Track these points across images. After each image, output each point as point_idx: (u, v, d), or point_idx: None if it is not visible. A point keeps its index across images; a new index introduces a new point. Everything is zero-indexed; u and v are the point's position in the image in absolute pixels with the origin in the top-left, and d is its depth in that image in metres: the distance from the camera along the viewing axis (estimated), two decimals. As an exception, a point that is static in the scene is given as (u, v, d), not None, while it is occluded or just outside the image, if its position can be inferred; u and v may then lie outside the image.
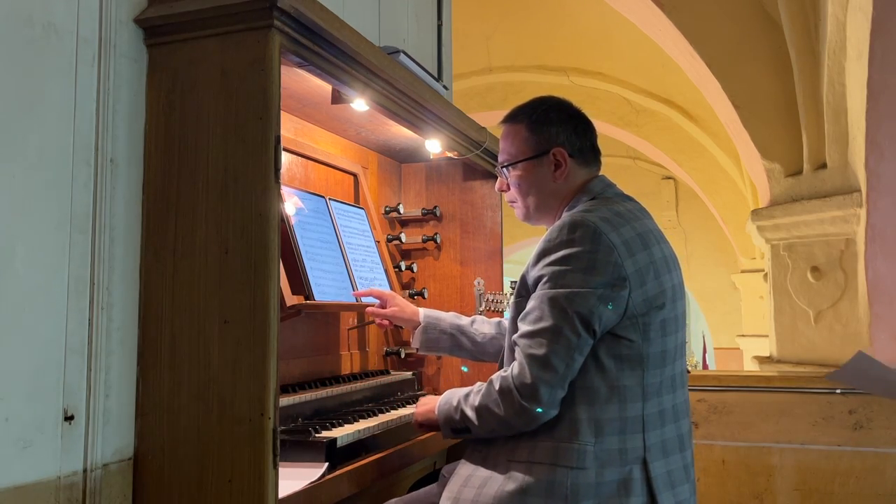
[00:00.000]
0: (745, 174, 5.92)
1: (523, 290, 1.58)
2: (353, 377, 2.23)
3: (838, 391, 3.25)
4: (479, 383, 1.59)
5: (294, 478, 1.50)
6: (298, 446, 1.61)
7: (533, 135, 1.67)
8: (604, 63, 6.25)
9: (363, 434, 1.75)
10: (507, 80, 6.49)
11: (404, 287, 2.56)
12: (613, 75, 6.36)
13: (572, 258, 1.47)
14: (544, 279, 1.49)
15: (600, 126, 6.75)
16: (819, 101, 3.83)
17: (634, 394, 1.48)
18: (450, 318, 2.07)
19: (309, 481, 1.50)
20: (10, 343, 1.22)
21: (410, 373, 2.48)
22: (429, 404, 1.71)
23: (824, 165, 3.91)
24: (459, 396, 1.61)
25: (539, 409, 1.44)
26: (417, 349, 2.07)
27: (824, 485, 2.95)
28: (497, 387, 1.51)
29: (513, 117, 1.72)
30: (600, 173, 1.72)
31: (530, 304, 1.51)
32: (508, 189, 1.73)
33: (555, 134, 1.66)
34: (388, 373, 2.43)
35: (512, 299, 1.62)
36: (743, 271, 7.53)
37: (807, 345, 3.68)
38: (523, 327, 1.51)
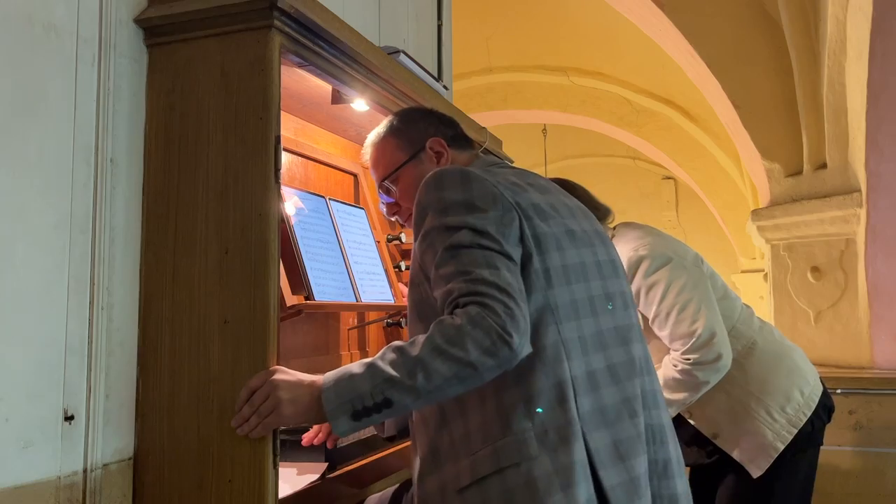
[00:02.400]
0: (745, 174, 5.92)
1: (416, 277, 1.35)
2: (353, 377, 2.23)
3: (839, 391, 3.25)
4: (386, 350, 1.23)
5: (294, 478, 1.50)
6: (298, 446, 1.62)
7: (402, 138, 1.57)
8: (604, 63, 6.25)
9: (364, 434, 1.75)
10: (507, 80, 6.49)
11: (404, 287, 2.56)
12: (613, 75, 6.36)
13: (451, 205, 1.28)
14: (434, 243, 1.28)
15: (600, 126, 6.77)
16: (819, 101, 3.83)
17: (557, 354, 1.25)
18: None
19: (309, 481, 1.50)
20: (10, 343, 1.22)
21: (410, 373, 2.48)
22: (290, 390, 1.27)
23: (824, 165, 3.91)
24: (363, 365, 1.23)
25: (519, 341, 1.17)
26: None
27: (824, 485, 2.95)
28: (457, 322, 1.17)
29: (375, 135, 1.61)
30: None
31: (437, 263, 1.26)
32: (400, 208, 1.57)
33: (423, 128, 1.57)
34: (388, 373, 2.43)
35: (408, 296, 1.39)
36: (743, 271, 7.53)
37: (807, 345, 3.68)
38: (446, 282, 1.23)
